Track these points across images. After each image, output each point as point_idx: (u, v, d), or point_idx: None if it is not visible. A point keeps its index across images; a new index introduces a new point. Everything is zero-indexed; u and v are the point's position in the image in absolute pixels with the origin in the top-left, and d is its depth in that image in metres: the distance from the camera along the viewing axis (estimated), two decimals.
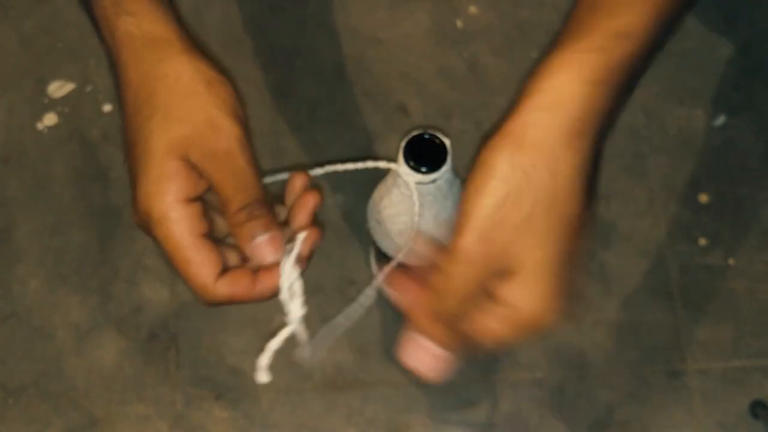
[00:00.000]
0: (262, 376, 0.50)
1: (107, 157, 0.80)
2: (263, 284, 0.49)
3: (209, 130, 0.46)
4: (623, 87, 0.45)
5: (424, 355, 0.48)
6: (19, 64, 0.83)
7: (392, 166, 0.52)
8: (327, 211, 0.78)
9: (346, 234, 0.77)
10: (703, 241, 0.77)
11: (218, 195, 0.47)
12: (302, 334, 0.49)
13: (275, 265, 0.49)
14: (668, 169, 0.79)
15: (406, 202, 0.54)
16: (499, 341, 0.46)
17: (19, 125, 0.81)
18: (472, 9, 0.84)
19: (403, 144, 0.52)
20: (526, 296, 0.44)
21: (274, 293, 0.50)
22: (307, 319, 0.75)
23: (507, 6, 0.84)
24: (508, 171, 0.44)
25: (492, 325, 0.46)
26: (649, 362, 0.74)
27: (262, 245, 0.48)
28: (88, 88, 0.82)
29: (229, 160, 0.46)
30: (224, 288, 0.49)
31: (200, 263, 0.47)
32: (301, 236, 0.49)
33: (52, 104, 0.81)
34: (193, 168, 0.46)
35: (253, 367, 0.74)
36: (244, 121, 0.47)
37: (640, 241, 0.77)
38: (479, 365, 0.74)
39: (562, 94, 0.44)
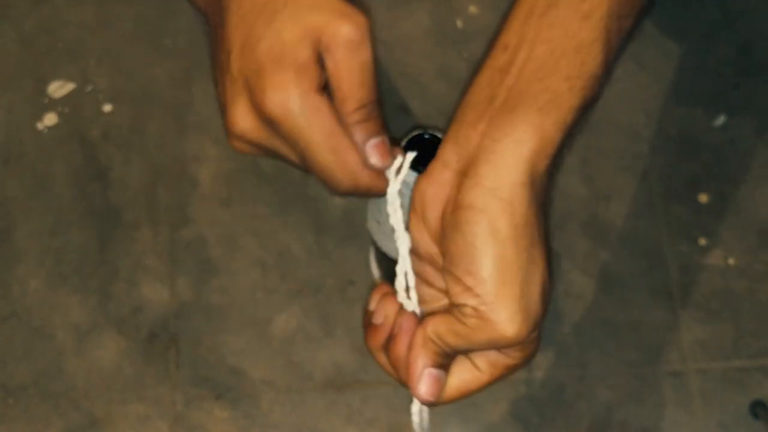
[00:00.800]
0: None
1: (107, 157, 0.80)
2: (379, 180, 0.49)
3: (340, 18, 0.45)
4: (595, 84, 0.46)
5: (432, 381, 0.47)
6: (19, 64, 0.83)
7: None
8: (327, 211, 0.78)
9: (346, 234, 0.77)
10: (703, 241, 0.77)
11: (337, 88, 0.46)
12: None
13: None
14: (668, 169, 0.79)
15: (407, 202, 0.54)
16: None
17: (19, 125, 0.81)
18: (472, 9, 0.84)
19: (403, 144, 0.52)
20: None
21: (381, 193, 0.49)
22: (306, 316, 0.75)
23: (507, 6, 0.84)
24: (501, 249, 0.44)
25: (482, 359, 0.47)
26: (649, 362, 0.74)
27: (379, 147, 0.47)
28: (88, 88, 0.82)
29: (356, 53, 0.46)
30: (368, 177, 0.47)
31: (351, 148, 0.46)
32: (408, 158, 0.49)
33: (52, 104, 0.81)
34: (319, 59, 0.46)
35: (253, 367, 0.74)
36: (366, 13, 0.47)
37: (640, 241, 0.77)
38: None
39: (545, 131, 0.44)
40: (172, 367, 0.74)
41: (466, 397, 0.48)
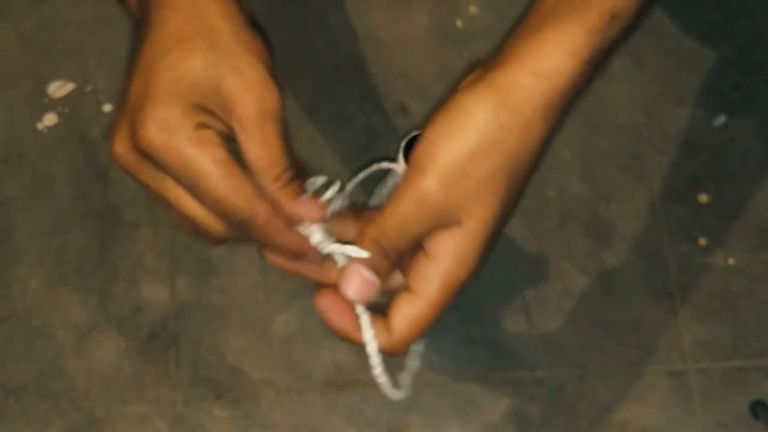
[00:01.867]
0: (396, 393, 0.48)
1: (107, 157, 0.79)
2: (294, 236, 0.46)
3: (262, 90, 0.45)
4: (603, 66, 0.46)
5: (359, 282, 0.46)
6: (19, 64, 0.83)
7: (393, 166, 0.52)
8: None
9: None
10: (703, 241, 0.77)
11: (255, 159, 0.45)
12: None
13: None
14: (668, 169, 0.79)
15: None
16: (421, 296, 0.45)
17: (19, 125, 0.81)
18: (472, 9, 0.84)
19: (403, 144, 0.52)
20: (461, 250, 0.44)
21: (293, 251, 0.47)
22: (306, 316, 0.75)
23: (507, 6, 0.84)
24: (487, 124, 0.44)
25: (416, 277, 0.45)
26: (649, 362, 0.74)
27: (310, 203, 0.46)
28: (88, 88, 0.82)
29: (275, 123, 0.45)
30: (266, 206, 0.45)
31: (246, 176, 0.44)
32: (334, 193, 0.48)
33: (52, 104, 0.81)
34: (224, 123, 0.45)
35: (253, 367, 0.74)
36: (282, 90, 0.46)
37: (640, 241, 0.77)
38: (479, 365, 0.74)
39: (554, 66, 0.44)
40: (172, 367, 0.74)
41: (421, 329, 0.46)
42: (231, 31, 0.45)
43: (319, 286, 0.48)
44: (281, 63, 0.83)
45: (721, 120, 0.80)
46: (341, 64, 0.83)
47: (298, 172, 0.46)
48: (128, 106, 0.45)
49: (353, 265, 0.46)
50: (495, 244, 0.46)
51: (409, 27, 0.84)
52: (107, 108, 0.81)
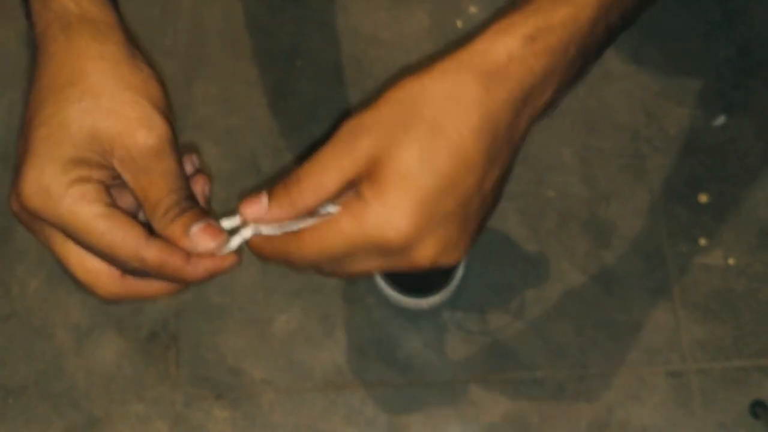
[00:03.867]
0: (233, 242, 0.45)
1: None
2: (198, 265, 0.45)
3: (143, 128, 0.43)
4: (567, 55, 0.43)
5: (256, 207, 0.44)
6: (19, 63, 0.83)
7: None
8: None
9: None
10: (703, 241, 0.77)
11: (144, 199, 0.44)
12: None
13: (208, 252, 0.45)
14: (668, 169, 0.79)
15: None
16: (336, 243, 0.42)
17: (19, 125, 0.81)
18: (472, 9, 0.84)
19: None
20: (383, 198, 0.41)
21: (207, 277, 0.45)
22: (306, 316, 0.75)
23: (507, 6, 0.84)
24: (410, 84, 0.43)
25: (338, 221, 0.42)
26: (649, 362, 0.74)
27: (201, 233, 0.44)
28: None
29: (157, 161, 0.43)
30: (155, 250, 0.43)
31: (128, 225, 0.43)
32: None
33: None
34: (103, 163, 0.43)
35: (253, 367, 0.74)
36: (172, 121, 0.45)
37: (640, 241, 0.77)
38: (479, 365, 0.74)
39: (484, 43, 0.43)
40: (172, 367, 0.74)
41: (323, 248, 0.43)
42: (105, 71, 0.44)
43: None
44: (281, 63, 0.84)
45: (721, 120, 0.80)
46: (341, 64, 0.82)
47: (194, 201, 0.45)
48: (17, 164, 0.44)
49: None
50: (450, 226, 0.43)
51: (409, 27, 0.84)
52: None
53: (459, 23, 0.84)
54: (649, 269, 0.76)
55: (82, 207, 0.42)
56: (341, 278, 0.45)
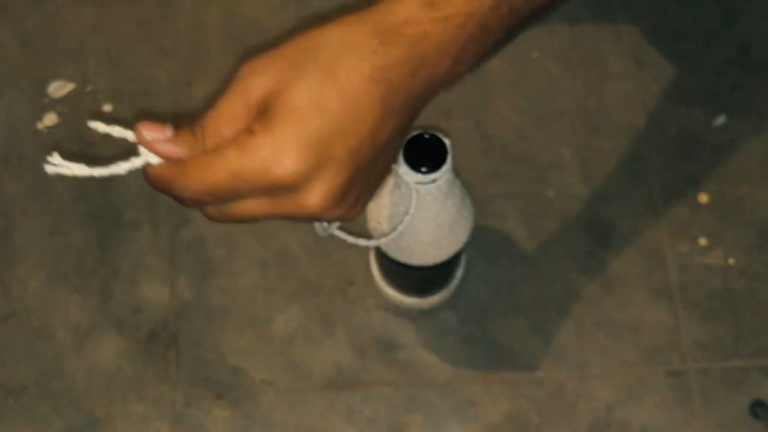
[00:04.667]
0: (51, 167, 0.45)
1: (107, 158, 0.80)
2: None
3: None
4: (464, 29, 0.44)
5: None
6: (19, 64, 0.83)
7: (393, 166, 0.52)
8: None
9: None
10: (703, 241, 0.77)
11: None
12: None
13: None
14: (668, 169, 0.79)
15: (407, 203, 0.54)
16: (219, 174, 0.42)
17: (19, 125, 0.81)
18: None
19: (403, 144, 0.52)
20: (270, 132, 0.41)
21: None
22: (306, 316, 0.75)
23: None
24: (310, 32, 0.45)
25: (224, 151, 0.42)
26: (649, 362, 0.74)
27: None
28: (88, 88, 0.82)
29: None
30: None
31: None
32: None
33: (52, 104, 0.81)
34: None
35: (253, 367, 0.74)
36: None
37: (640, 241, 0.77)
38: (479, 365, 0.74)
39: (387, 4, 0.44)
40: (172, 367, 0.74)
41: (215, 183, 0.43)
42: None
43: None
44: None
45: (721, 120, 0.80)
46: None
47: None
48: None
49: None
50: (341, 179, 0.43)
51: None
52: (107, 108, 0.81)
53: None
54: (649, 269, 0.76)
55: None
56: (228, 222, 0.45)
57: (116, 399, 0.73)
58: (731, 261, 0.76)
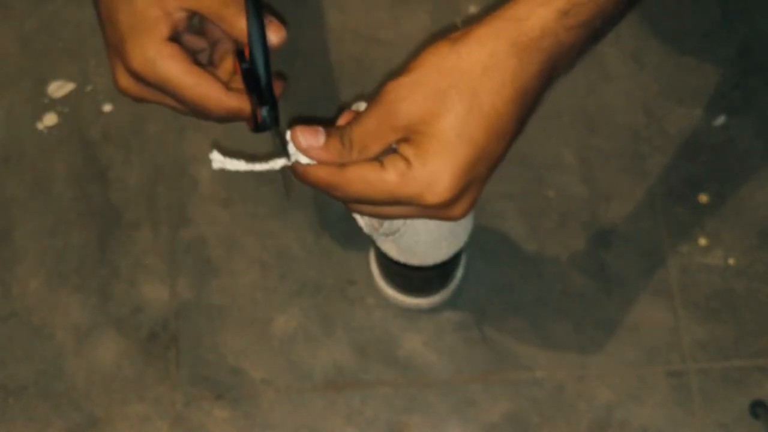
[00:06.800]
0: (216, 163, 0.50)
1: (107, 157, 0.80)
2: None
3: None
4: (593, 28, 0.46)
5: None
6: (19, 64, 0.83)
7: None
8: (327, 210, 0.78)
9: (346, 234, 0.77)
10: (703, 241, 0.77)
11: (220, 23, 0.51)
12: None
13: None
14: (668, 169, 0.79)
15: None
16: (379, 191, 0.46)
17: (19, 125, 0.81)
18: (472, 9, 0.84)
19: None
20: (426, 167, 0.45)
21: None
22: (306, 316, 0.75)
23: None
24: (448, 52, 0.46)
25: (383, 175, 0.46)
26: (649, 362, 0.74)
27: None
28: (88, 88, 0.82)
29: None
30: (235, 100, 0.51)
31: (211, 79, 0.51)
32: None
33: (52, 104, 0.81)
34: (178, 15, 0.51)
35: (253, 367, 0.74)
36: None
37: (640, 241, 0.77)
38: (479, 365, 0.74)
39: (521, 13, 0.46)
40: (172, 367, 0.74)
41: (363, 188, 0.47)
42: None
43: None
44: (281, 63, 0.83)
45: (721, 120, 0.80)
46: (341, 64, 0.83)
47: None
48: (111, 51, 0.53)
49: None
50: (477, 181, 0.47)
51: (410, 27, 0.84)
52: (107, 108, 0.81)
53: (459, 23, 0.84)
54: (649, 269, 0.76)
55: (171, 66, 0.50)
56: (371, 216, 0.52)
57: (116, 399, 0.73)
58: (731, 261, 0.76)
